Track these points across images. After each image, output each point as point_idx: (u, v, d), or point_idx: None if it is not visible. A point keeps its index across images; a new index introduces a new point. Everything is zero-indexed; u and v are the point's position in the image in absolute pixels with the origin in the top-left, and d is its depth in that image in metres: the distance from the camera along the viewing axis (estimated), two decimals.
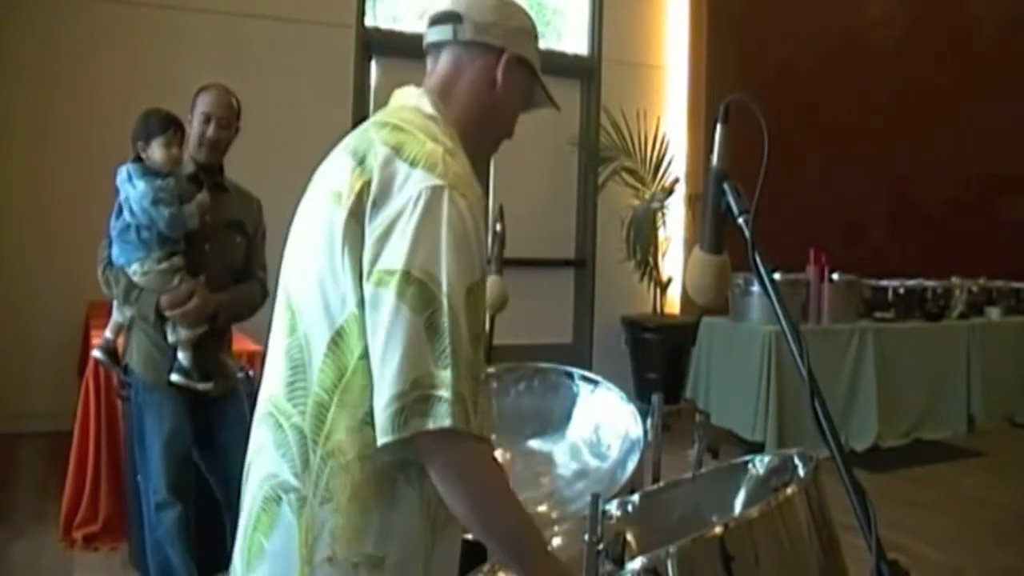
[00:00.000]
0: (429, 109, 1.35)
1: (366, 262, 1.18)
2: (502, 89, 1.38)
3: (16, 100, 5.12)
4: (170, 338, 2.72)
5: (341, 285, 1.20)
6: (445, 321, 1.15)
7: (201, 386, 2.75)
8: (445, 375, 1.14)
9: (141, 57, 5.26)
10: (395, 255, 1.16)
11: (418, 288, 1.15)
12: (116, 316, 2.87)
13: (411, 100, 1.37)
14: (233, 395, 2.89)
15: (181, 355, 2.72)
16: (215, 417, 2.83)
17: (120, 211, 2.70)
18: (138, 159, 2.70)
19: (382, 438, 1.15)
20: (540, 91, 1.47)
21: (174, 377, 2.70)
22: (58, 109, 5.13)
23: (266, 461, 1.27)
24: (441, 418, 1.13)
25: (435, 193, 1.18)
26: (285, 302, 1.30)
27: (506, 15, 1.40)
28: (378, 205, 1.19)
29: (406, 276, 1.15)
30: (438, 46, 1.40)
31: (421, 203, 1.17)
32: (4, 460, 4.56)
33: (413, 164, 1.21)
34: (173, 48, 5.27)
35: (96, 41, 5.24)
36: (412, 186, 1.19)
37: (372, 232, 1.19)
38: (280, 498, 1.24)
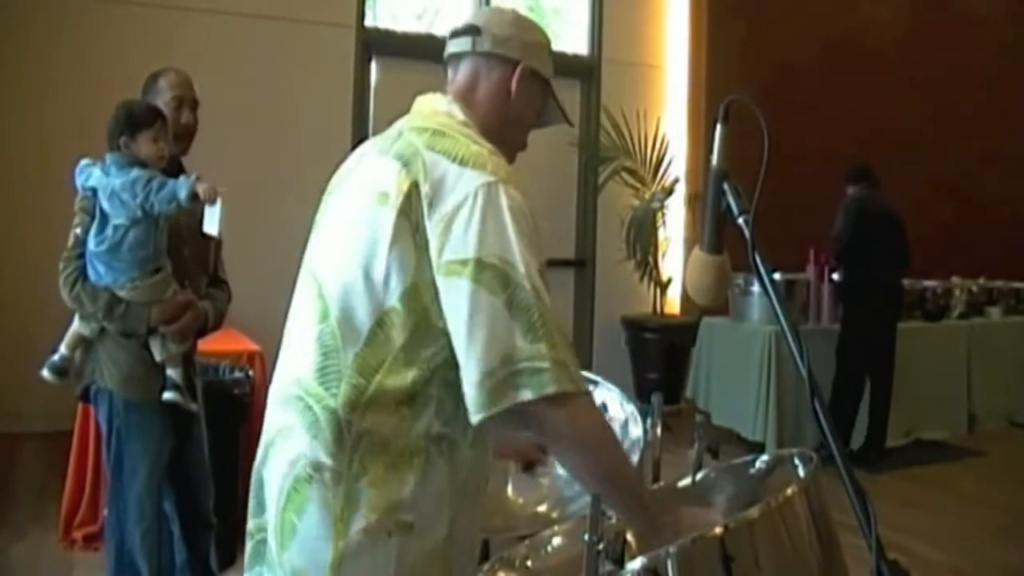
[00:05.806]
0: (462, 116, 1.42)
1: (432, 258, 1.24)
2: (516, 100, 1.45)
3: (14, 101, 5.12)
4: (158, 356, 2.44)
5: (385, 280, 1.26)
6: (528, 297, 1.21)
7: (194, 405, 2.52)
8: (539, 348, 1.20)
9: (139, 58, 5.21)
10: (462, 245, 1.22)
11: (493, 272, 1.21)
12: (80, 328, 2.45)
13: (442, 106, 1.44)
14: (196, 414, 2.62)
15: (171, 371, 2.45)
16: (182, 436, 2.57)
17: (104, 223, 2.38)
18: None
19: (477, 415, 1.21)
20: (554, 107, 1.53)
21: (168, 395, 2.43)
22: (57, 110, 5.11)
23: (295, 443, 1.31)
24: (544, 386, 1.19)
25: (491, 188, 1.25)
26: (316, 292, 1.35)
27: (523, 29, 1.48)
28: (434, 205, 1.25)
29: (479, 263, 1.21)
30: (458, 57, 1.48)
31: (480, 198, 1.24)
32: (4, 460, 4.56)
33: (463, 164, 1.27)
34: (172, 49, 5.25)
35: (92, 42, 5.24)
36: (467, 183, 1.25)
37: (433, 229, 1.24)
38: (312, 476, 1.28)
